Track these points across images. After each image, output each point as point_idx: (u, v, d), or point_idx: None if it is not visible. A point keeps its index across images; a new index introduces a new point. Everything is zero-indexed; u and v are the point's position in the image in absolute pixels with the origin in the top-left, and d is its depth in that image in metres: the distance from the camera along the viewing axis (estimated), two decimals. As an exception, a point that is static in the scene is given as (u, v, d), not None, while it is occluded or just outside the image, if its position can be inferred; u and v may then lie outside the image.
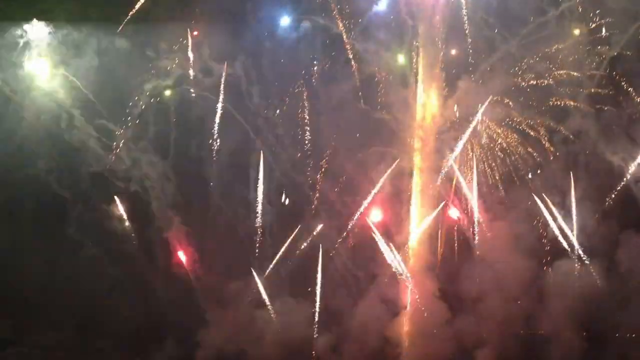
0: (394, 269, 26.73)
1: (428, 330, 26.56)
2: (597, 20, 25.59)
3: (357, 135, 27.46)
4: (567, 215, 26.57)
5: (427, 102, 26.69)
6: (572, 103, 26.13)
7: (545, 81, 26.06)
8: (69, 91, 27.22)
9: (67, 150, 27.51)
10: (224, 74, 27.74)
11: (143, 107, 27.67)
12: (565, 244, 26.50)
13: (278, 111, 28.17)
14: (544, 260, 26.73)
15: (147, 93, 27.54)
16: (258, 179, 28.57)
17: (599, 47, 25.99)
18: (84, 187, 28.10)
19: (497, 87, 26.02)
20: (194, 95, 28.22)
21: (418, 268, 26.92)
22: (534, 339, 26.61)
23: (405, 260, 26.85)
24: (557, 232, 26.48)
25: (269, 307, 28.19)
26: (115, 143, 27.83)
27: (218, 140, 28.41)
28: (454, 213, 27.20)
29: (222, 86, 27.91)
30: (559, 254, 26.72)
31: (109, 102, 27.55)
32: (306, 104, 27.74)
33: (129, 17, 25.65)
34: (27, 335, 28.35)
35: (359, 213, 27.33)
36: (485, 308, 26.32)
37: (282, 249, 28.26)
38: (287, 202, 28.74)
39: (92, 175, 27.99)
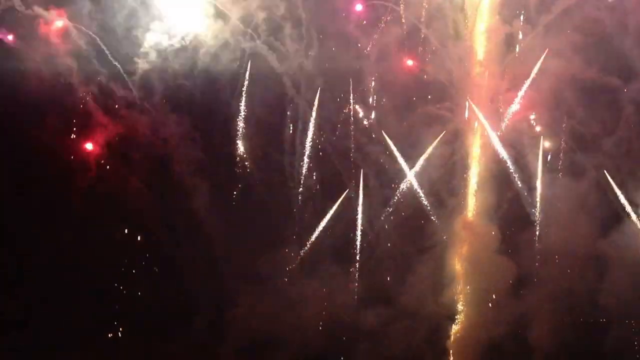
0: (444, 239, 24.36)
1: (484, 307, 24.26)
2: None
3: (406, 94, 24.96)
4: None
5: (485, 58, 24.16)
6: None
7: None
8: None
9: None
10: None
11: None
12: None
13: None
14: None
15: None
16: (295, 140, 25.87)
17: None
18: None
19: (559, 42, 23.62)
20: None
21: (473, 240, 24.53)
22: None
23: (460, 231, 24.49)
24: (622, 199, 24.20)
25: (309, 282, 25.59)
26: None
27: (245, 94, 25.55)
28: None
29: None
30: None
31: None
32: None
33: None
34: (37, 317, 25.42)
35: (406, 180, 24.95)
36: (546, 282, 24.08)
37: (325, 220, 25.58)
38: (327, 168, 25.95)
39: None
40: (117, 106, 25.47)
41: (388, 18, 24.76)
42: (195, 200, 26.07)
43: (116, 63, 25.03)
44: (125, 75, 25.34)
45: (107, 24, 25.06)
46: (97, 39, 24.95)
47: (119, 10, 24.77)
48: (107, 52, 25.17)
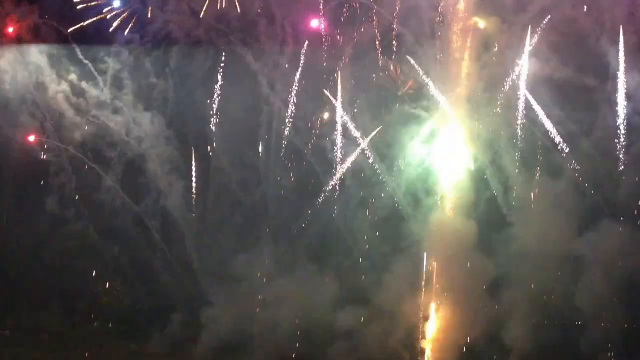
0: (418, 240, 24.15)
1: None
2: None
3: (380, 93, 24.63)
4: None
5: (462, 57, 23.79)
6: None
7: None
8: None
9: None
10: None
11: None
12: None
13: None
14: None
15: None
16: (268, 140, 25.53)
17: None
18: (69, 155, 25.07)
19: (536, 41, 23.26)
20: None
21: (448, 240, 24.25)
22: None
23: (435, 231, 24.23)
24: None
25: (282, 282, 25.23)
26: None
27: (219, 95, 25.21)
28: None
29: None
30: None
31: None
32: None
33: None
34: (11, 317, 25.54)
35: (382, 180, 24.66)
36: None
37: (301, 220, 25.33)
38: (303, 166, 25.64)
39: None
40: (88, 105, 25.19)
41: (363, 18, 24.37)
42: (169, 199, 25.89)
43: (87, 61, 24.70)
44: (96, 73, 25.05)
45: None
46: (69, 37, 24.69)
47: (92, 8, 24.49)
48: (78, 50, 24.84)
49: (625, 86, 23.03)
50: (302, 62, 25.07)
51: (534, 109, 23.49)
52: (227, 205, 25.82)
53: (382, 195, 24.78)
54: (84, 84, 24.88)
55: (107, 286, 26.12)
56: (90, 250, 25.74)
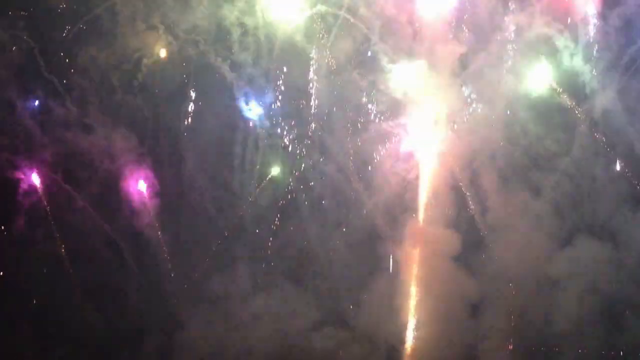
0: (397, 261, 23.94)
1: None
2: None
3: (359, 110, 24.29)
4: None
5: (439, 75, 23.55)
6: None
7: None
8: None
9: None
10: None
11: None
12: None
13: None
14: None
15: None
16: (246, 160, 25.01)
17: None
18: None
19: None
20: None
21: (427, 261, 24.11)
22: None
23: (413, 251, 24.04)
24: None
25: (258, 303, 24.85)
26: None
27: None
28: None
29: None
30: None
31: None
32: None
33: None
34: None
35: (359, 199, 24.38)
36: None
37: (277, 240, 25.01)
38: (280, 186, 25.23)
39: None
40: (55, 123, 24.31)
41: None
42: (142, 218, 25.21)
43: (53, 77, 23.82)
44: (63, 90, 24.18)
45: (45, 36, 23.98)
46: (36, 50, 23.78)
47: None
48: (42, 65, 23.92)
49: (603, 104, 23.16)
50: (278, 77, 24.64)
51: (513, 127, 23.45)
52: (202, 225, 25.16)
53: (359, 214, 24.50)
54: (50, 101, 23.94)
55: (78, 309, 25.24)
56: (60, 272, 24.82)
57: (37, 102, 24.18)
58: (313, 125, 24.58)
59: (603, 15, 23.25)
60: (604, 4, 23.38)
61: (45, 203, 24.65)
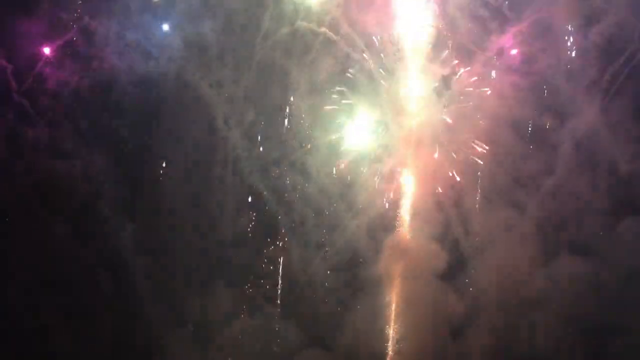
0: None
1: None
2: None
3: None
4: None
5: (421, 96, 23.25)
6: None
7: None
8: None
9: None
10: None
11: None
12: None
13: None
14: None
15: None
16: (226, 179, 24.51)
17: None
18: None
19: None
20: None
21: (409, 281, 23.82)
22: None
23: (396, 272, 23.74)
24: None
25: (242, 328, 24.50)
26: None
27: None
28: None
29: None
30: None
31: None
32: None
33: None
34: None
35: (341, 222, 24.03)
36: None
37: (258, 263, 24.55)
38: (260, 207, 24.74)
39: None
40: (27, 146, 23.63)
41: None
42: (119, 242, 24.57)
43: (23, 100, 23.14)
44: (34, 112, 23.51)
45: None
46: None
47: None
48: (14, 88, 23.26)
49: (585, 125, 23.05)
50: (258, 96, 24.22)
51: (497, 147, 23.28)
52: (180, 248, 24.63)
53: (342, 236, 24.16)
54: (20, 125, 23.27)
55: (54, 334, 24.54)
56: (37, 299, 24.09)
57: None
58: (293, 145, 24.08)
59: (584, 34, 23.10)
60: (584, 21, 23.25)
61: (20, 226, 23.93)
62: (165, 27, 24.19)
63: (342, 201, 24.00)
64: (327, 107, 23.84)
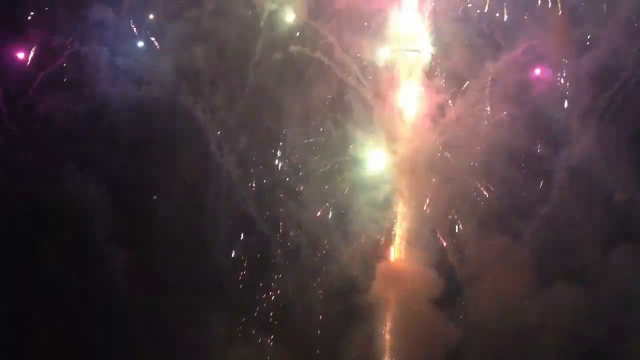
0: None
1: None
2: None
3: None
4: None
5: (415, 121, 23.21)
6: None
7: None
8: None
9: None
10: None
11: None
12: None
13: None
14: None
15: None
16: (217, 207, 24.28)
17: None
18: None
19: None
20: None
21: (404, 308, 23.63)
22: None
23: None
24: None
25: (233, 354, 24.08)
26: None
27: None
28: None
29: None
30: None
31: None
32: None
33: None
34: None
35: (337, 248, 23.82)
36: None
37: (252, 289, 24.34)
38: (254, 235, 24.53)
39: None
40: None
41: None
42: (111, 267, 24.25)
43: (12, 126, 22.89)
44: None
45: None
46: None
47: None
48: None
49: (579, 151, 23.04)
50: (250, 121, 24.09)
51: (491, 174, 23.19)
52: (174, 276, 24.32)
53: (337, 264, 23.98)
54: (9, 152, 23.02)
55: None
56: (28, 326, 23.71)
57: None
58: (287, 172, 23.94)
59: (578, 60, 23.13)
60: (578, 48, 23.29)
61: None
62: (157, 52, 23.98)
63: (336, 230, 23.78)
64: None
